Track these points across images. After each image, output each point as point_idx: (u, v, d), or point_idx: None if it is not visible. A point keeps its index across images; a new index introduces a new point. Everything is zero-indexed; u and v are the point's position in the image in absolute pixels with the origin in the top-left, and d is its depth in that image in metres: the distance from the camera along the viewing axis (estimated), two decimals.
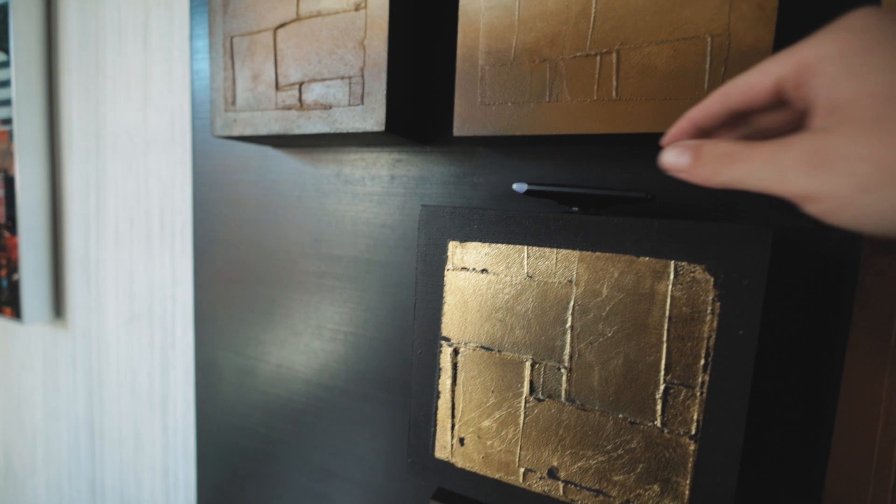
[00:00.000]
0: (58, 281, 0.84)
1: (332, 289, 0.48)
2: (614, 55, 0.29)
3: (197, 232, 0.57)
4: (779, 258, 0.30)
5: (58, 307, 0.84)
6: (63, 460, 0.88)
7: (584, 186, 0.28)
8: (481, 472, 0.31)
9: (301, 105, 0.38)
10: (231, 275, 0.55)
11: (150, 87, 0.69)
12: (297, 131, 0.38)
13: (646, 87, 0.29)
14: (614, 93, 0.29)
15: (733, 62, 0.27)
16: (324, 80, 0.37)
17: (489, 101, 0.33)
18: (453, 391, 0.31)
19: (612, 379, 0.27)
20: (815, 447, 0.29)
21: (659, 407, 0.26)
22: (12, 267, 0.82)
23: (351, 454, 0.48)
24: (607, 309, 0.26)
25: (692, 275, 0.24)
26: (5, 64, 0.79)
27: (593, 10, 0.30)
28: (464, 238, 0.30)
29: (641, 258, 0.25)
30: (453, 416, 0.31)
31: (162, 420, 0.73)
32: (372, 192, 0.44)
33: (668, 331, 0.25)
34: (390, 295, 0.44)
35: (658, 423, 0.26)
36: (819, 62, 0.16)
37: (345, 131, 0.36)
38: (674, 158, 0.20)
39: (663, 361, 0.25)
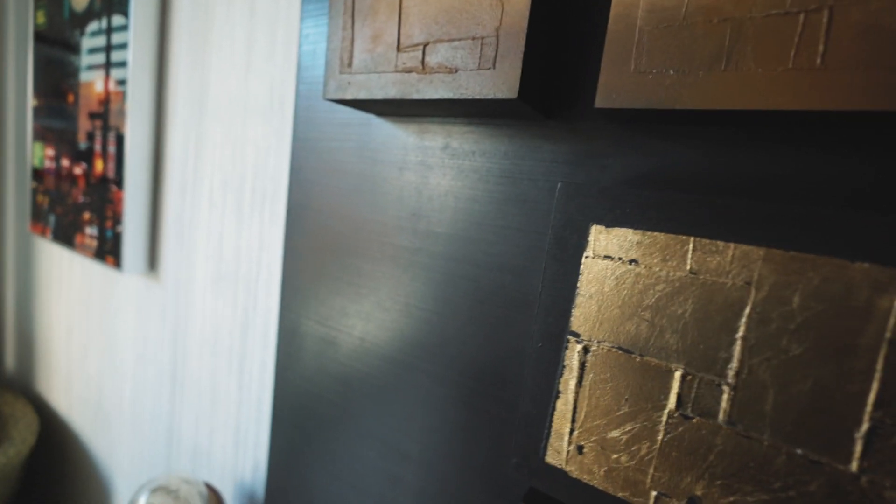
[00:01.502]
0: (155, 236, 0.89)
1: (427, 267, 0.45)
2: (826, 12, 0.24)
3: (291, 198, 0.57)
4: None
5: (153, 260, 0.90)
6: (147, 404, 0.94)
7: None
8: (601, 487, 0.27)
9: (423, 68, 0.36)
10: (321, 243, 0.54)
11: (252, 56, 0.70)
12: (416, 96, 0.36)
13: (866, 53, 0.23)
14: (819, 59, 0.24)
15: None
16: (451, 40, 0.34)
17: (645, 69, 0.29)
18: (577, 393, 0.28)
19: (792, 405, 0.22)
20: None
21: (858, 448, 0.21)
22: (117, 219, 0.88)
23: (429, 440, 0.47)
24: (798, 321, 0.21)
25: None
26: (124, 27, 0.83)
27: None
28: (611, 222, 0.26)
29: (858, 264, 0.20)
30: (573, 421, 0.28)
31: (238, 379, 0.76)
32: (482, 167, 0.41)
33: (887, 357, 0.20)
34: (492, 280, 0.41)
35: (854, 467, 0.21)
36: None
37: (471, 97, 0.33)
38: None
39: (873, 393, 0.20)
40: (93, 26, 0.92)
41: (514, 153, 0.40)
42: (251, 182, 0.71)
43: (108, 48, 0.88)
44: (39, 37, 1.06)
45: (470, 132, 0.42)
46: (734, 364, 0.23)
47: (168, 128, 0.84)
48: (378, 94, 0.38)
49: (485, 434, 0.43)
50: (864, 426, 0.21)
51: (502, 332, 0.41)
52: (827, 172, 0.28)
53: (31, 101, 1.10)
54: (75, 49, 0.97)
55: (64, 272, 1.13)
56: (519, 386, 0.40)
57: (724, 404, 0.23)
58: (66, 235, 1.01)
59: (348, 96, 0.40)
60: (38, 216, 1.10)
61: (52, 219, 1.05)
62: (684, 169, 0.32)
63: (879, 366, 0.20)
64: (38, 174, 1.09)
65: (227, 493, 0.80)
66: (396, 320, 0.48)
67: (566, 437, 0.28)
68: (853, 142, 0.27)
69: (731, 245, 0.23)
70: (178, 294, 0.85)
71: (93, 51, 0.92)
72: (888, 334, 0.20)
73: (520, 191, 0.40)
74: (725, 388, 0.23)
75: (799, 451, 0.22)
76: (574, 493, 0.28)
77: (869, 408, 0.21)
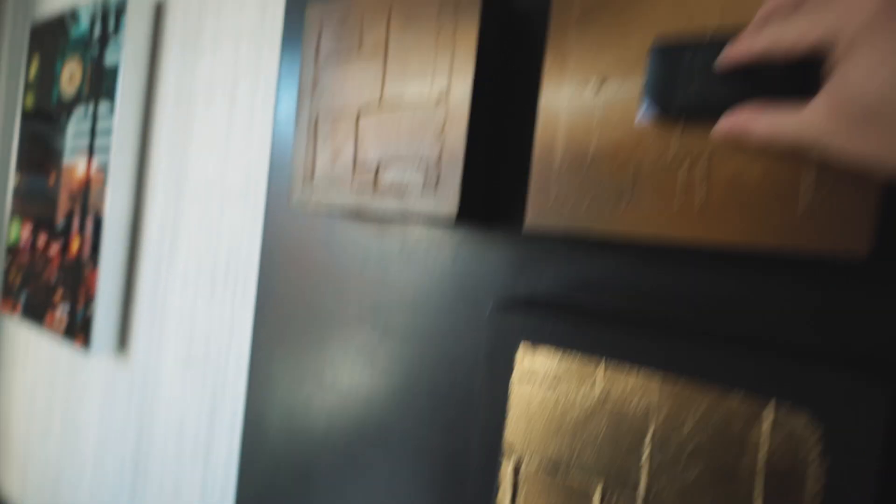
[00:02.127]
0: (126, 316, 0.89)
1: (388, 359, 0.47)
2: (702, 164, 0.28)
3: (261, 285, 0.59)
4: None
5: (123, 341, 0.89)
6: (106, 492, 0.90)
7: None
8: None
9: (376, 185, 0.39)
10: (287, 332, 0.55)
11: (231, 144, 0.74)
12: (369, 210, 0.39)
13: (735, 200, 0.27)
14: (700, 203, 0.28)
15: (824, 182, 0.25)
16: (400, 164, 0.38)
17: (563, 198, 0.33)
18: None
19: None
20: None
21: None
22: (89, 299, 0.88)
23: None
24: (690, 447, 0.24)
25: (792, 423, 0.22)
26: (110, 114, 0.88)
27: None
28: (536, 340, 0.29)
29: (733, 395, 0.23)
30: None
31: (203, 471, 0.74)
32: (434, 269, 0.44)
33: (765, 484, 0.22)
34: (445, 376, 0.43)
35: None
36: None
37: (417, 214, 0.37)
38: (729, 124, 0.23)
39: None
40: (79, 111, 0.97)
41: (462, 257, 0.43)
42: (224, 265, 0.73)
43: (93, 133, 0.92)
44: (27, 116, 1.11)
45: (423, 237, 0.45)
46: (643, 485, 0.25)
47: (146, 210, 0.87)
48: (335, 207, 0.41)
49: None
50: None
51: (455, 429, 0.42)
52: (716, 295, 0.31)
53: (12, 178, 1.12)
54: (61, 131, 1.01)
55: (30, 351, 1.11)
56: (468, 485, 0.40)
57: None
58: (36, 313, 1.00)
59: (310, 207, 0.43)
60: (8, 292, 1.09)
61: (22, 296, 1.05)
62: (608, 280, 0.36)
63: (759, 493, 0.22)
64: (12, 251, 1.10)
65: None
66: (359, 412, 0.49)
67: None
68: (733, 268, 0.31)
69: (635, 369, 0.26)
70: (147, 377, 0.84)
71: (77, 134, 0.96)
72: (762, 463, 0.22)
73: (467, 292, 0.42)
74: (641, 501, 0.25)
75: None
76: None
77: None
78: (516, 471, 0.28)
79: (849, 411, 0.21)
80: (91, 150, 0.92)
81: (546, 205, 0.33)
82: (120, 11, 0.86)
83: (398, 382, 0.46)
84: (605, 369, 0.26)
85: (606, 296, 0.35)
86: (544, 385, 0.28)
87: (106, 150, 0.88)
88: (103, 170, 0.88)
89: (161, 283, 0.83)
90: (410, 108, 0.37)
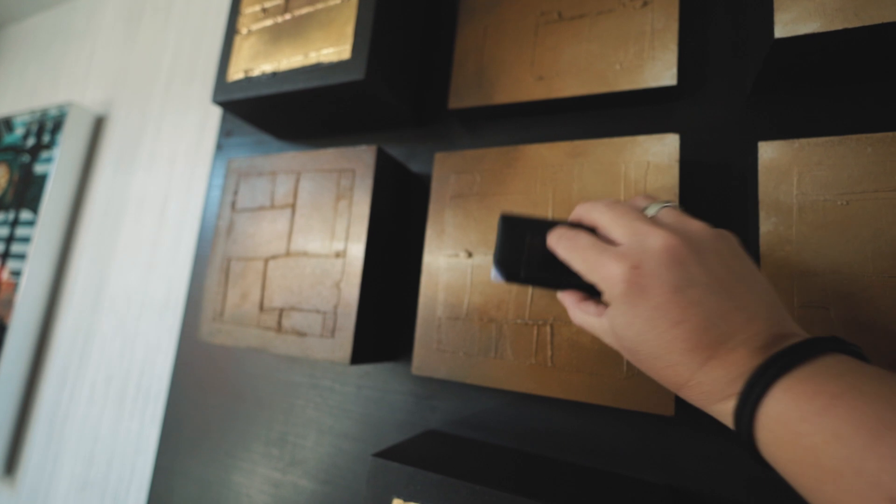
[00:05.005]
0: (20, 434, 0.81)
1: (292, 490, 0.47)
2: (549, 327, 0.34)
3: (169, 405, 0.58)
4: None
5: (11, 463, 0.81)
6: None
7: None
8: None
9: (279, 328, 0.42)
10: (194, 454, 0.54)
11: (156, 258, 0.75)
12: (272, 350, 0.42)
13: (575, 359, 0.33)
14: (549, 361, 0.33)
15: None
16: (302, 310, 0.41)
17: (444, 348, 0.37)
18: None
19: None
20: None
21: None
22: None
23: None
24: None
25: None
26: (31, 223, 0.87)
27: (531, 289, 0.35)
28: (407, 497, 0.31)
29: None
30: None
31: None
32: (339, 403, 0.47)
33: None
34: None
35: None
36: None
37: (315, 358, 0.40)
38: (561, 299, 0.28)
39: None
40: None
41: (365, 388, 0.46)
42: (136, 379, 0.71)
43: (10, 239, 0.90)
44: None
45: (330, 370, 0.48)
46: None
47: (59, 318, 0.84)
48: (242, 344, 0.44)
49: None
50: None
51: None
52: (574, 435, 0.36)
53: None
54: None
55: None
56: None
57: None
58: None
59: (217, 342, 0.45)
60: None
61: None
62: (492, 417, 0.39)
63: None
64: None
65: None
66: None
67: None
68: (579, 414, 0.36)
69: None
70: (35, 503, 0.76)
71: None
72: None
73: (371, 422, 0.44)
74: None
75: None
76: None
77: None
78: None
79: None
80: (5, 257, 0.89)
81: (430, 352, 0.37)
82: (57, 125, 0.89)
83: None
84: None
85: (490, 432, 0.39)
86: None
87: (22, 257, 0.86)
88: (15, 278, 0.85)
89: (65, 397, 0.78)
90: (312, 261, 0.42)
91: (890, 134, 0.29)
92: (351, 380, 0.47)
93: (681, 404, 0.31)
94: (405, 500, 0.31)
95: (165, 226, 0.75)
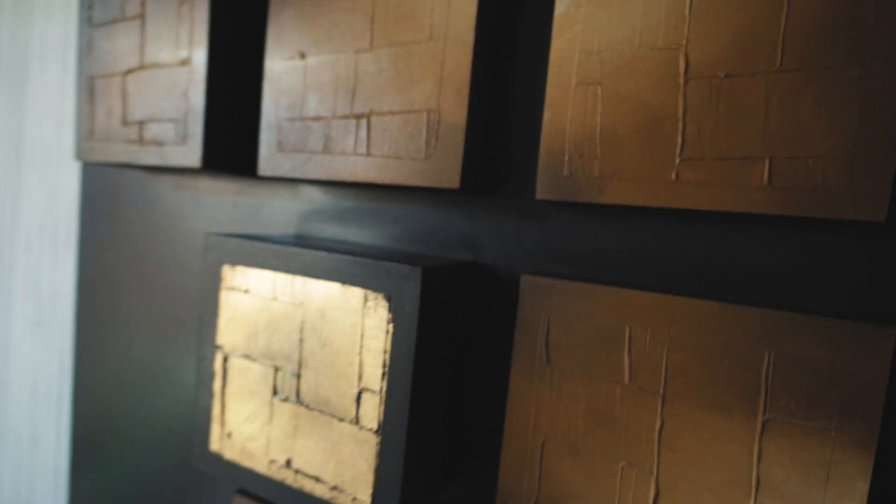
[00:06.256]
0: None
1: (176, 290, 0.53)
2: (365, 119, 0.36)
3: (82, 241, 0.62)
4: (453, 290, 0.37)
5: None
6: None
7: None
8: (240, 463, 0.36)
9: (141, 140, 0.44)
10: (113, 289, 0.60)
11: (65, 107, 0.74)
12: (138, 162, 0.44)
13: (387, 145, 0.35)
14: (366, 148, 0.36)
15: (442, 130, 0.33)
16: (158, 121, 0.43)
17: (286, 148, 0.40)
18: (223, 393, 0.37)
19: (324, 385, 0.32)
20: (489, 443, 0.35)
21: (354, 408, 0.31)
22: None
23: None
24: (326, 333, 0.32)
25: (377, 301, 0.31)
26: None
27: (353, 84, 0.37)
28: (233, 262, 0.36)
29: (349, 287, 0.31)
30: (223, 415, 0.37)
31: (57, 421, 0.76)
32: (219, 215, 0.50)
33: (365, 355, 0.31)
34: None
35: (353, 421, 0.31)
36: None
37: (173, 165, 0.42)
38: None
39: (357, 371, 0.31)
40: None
41: (241, 204, 0.49)
42: (65, 225, 0.75)
43: None
44: None
45: (211, 187, 0.51)
46: (298, 362, 0.33)
47: None
48: (112, 159, 0.46)
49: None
50: (355, 392, 0.31)
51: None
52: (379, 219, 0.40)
53: None
54: None
55: None
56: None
57: (296, 389, 0.33)
58: None
59: (92, 159, 0.47)
60: None
61: None
62: (319, 213, 0.43)
63: (358, 351, 0.31)
64: None
65: None
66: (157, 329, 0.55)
67: (220, 428, 0.37)
68: (391, 206, 0.40)
69: (292, 277, 0.33)
70: None
71: None
72: (363, 332, 0.31)
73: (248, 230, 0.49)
74: (295, 378, 0.33)
75: (330, 414, 0.32)
76: (227, 472, 0.37)
77: (356, 380, 0.31)
78: (225, 359, 0.36)
79: (401, 286, 0.29)
80: None
81: (272, 154, 0.40)
82: None
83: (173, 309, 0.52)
84: (276, 281, 0.34)
85: (315, 225, 0.43)
86: (240, 294, 0.36)
87: None
88: None
89: (6, 248, 0.82)
90: (163, 71, 0.42)
91: None
92: (227, 195, 0.50)
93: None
94: (232, 266, 0.36)
95: (69, 73, 0.73)
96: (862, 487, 0.24)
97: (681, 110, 0.29)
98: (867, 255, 0.28)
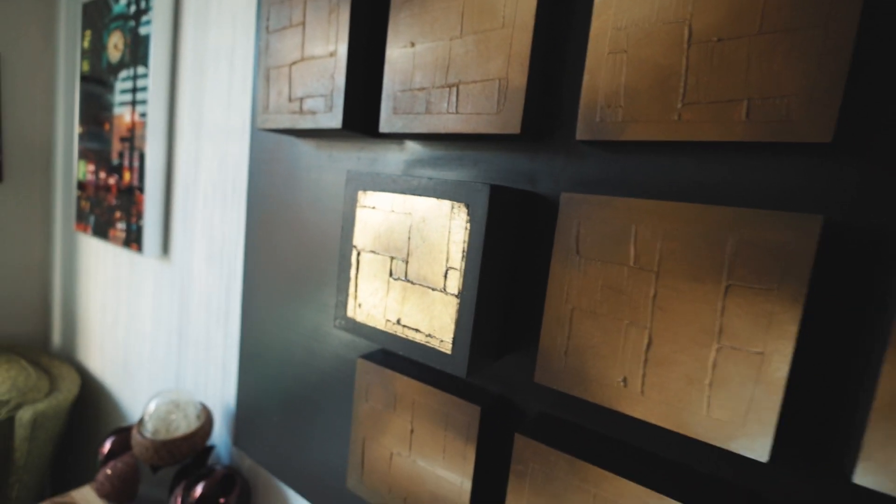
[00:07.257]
0: (167, 228, 1.19)
1: (319, 227, 0.72)
2: (455, 88, 0.51)
3: (250, 195, 0.85)
4: (516, 206, 0.50)
5: (165, 246, 1.19)
6: (160, 357, 1.23)
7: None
8: (367, 323, 0.54)
9: (301, 111, 0.63)
10: (272, 228, 0.82)
11: (232, 95, 0.99)
12: (298, 126, 0.64)
13: (470, 105, 0.50)
14: (455, 108, 0.51)
15: (509, 92, 0.47)
16: (313, 96, 0.62)
17: (399, 111, 0.56)
18: (357, 277, 0.54)
19: (424, 266, 0.48)
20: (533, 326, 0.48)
21: (442, 281, 0.47)
22: (139, 216, 1.18)
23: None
24: (425, 233, 0.48)
25: (459, 209, 0.46)
26: (146, 75, 1.14)
27: (447, 63, 0.51)
28: (364, 188, 0.53)
29: (442, 200, 0.47)
30: (356, 292, 0.55)
31: (224, 329, 1.04)
32: (348, 166, 0.69)
33: (448, 239, 0.46)
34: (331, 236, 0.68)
35: (441, 289, 0.47)
36: None
37: (322, 128, 0.61)
38: None
39: (446, 258, 0.47)
40: (123, 73, 1.24)
41: (364, 158, 0.67)
42: (232, 184, 1.00)
43: (134, 89, 1.19)
44: (84, 79, 1.39)
45: (341, 146, 0.69)
46: (407, 254, 0.49)
47: (176, 146, 1.15)
48: (281, 126, 0.66)
49: None
50: (444, 270, 0.47)
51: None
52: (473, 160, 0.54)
53: (77, 129, 1.43)
54: (110, 89, 1.29)
55: (100, 260, 1.44)
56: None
57: (405, 271, 0.50)
58: (102, 230, 1.32)
59: (267, 126, 0.68)
60: (81, 217, 1.42)
61: (91, 218, 1.37)
62: (425, 162, 0.59)
63: (452, 255, 0.47)
64: (81, 185, 1.42)
65: (215, 410, 1.07)
66: (314, 245, 0.75)
67: (354, 300, 0.55)
68: (475, 157, 0.54)
69: (402, 196, 0.50)
70: (183, 270, 1.14)
71: (123, 91, 1.24)
72: (451, 231, 0.46)
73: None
74: (404, 264, 0.50)
75: (426, 286, 0.48)
76: (359, 330, 0.55)
77: (445, 263, 0.47)
78: (358, 254, 0.54)
79: (475, 197, 0.44)
80: (133, 103, 1.20)
81: (392, 117, 0.56)
82: None
83: (316, 236, 0.72)
84: (394, 200, 0.51)
85: (423, 168, 0.59)
86: (369, 210, 0.53)
87: (145, 102, 1.15)
88: (144, 117, 1.15)
89: (189, 201, 1.11)
90: (318, 62, 0.61)
91: None
92: (352, 152, 0.68)
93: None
94: (364, 191, 0.53)
95: (235, 70, 0.98)
96: (793, 329, 0.34)
97: (683, 68, 0.40)
98: (818, 167, 0.37)
